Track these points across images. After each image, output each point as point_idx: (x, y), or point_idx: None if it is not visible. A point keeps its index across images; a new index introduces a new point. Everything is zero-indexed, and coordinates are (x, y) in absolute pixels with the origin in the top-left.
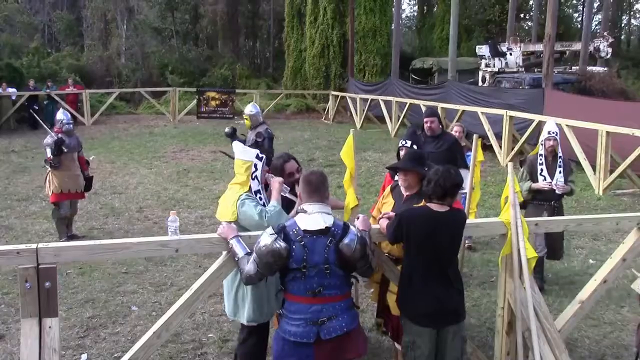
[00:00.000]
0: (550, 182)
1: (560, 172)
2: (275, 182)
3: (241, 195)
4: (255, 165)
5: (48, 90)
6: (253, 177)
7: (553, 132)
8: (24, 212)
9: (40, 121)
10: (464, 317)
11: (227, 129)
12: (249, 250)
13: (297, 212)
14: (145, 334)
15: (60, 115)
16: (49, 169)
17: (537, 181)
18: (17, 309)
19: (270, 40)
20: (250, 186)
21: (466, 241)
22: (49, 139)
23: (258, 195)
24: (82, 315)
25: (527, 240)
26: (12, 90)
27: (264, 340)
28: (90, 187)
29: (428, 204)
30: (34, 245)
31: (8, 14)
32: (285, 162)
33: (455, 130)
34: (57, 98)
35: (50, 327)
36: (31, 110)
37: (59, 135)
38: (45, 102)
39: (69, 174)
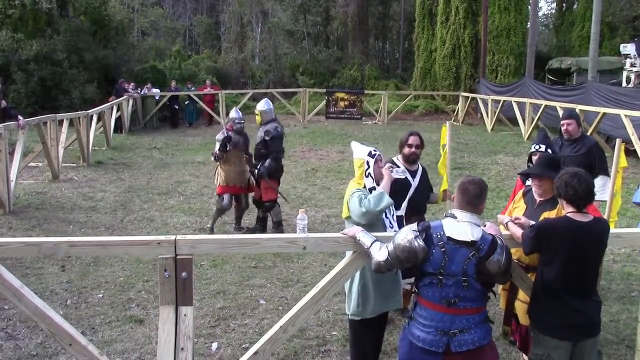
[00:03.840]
0: None
1: None
2: (386, 170)
3: (353, 190)
4: (368, 163)
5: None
6: (366, 174)
7: None
8: (163, 205)
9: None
10: (600, 331)
11: (219, 135)
12: (375, 239)
13: (445, 216)
14: (272, 327)
15: (233, 113)
16: (217, 162)
17: None
18: (155, 295)
19: (400, 41)
20: (364, 184)
21: None
22: (220, 135)
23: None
24: (213, 305)
25: None
26: (155, 90)
27: (371, 334)
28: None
29: (568, 214)
30: (172, 237)
31: (154, 19)
32: (410, 134)
33: None
34: (195, 98)
35: (185, 315)
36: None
37: (229, 132)
38: (185, 102)
39: (235, 169)
